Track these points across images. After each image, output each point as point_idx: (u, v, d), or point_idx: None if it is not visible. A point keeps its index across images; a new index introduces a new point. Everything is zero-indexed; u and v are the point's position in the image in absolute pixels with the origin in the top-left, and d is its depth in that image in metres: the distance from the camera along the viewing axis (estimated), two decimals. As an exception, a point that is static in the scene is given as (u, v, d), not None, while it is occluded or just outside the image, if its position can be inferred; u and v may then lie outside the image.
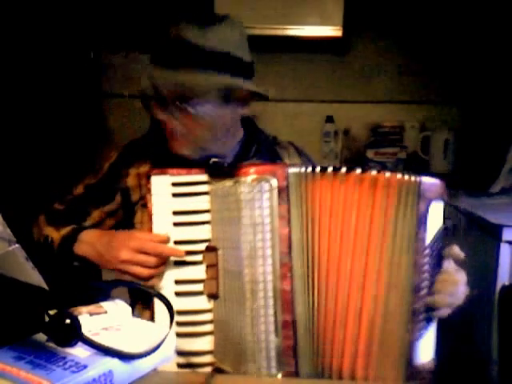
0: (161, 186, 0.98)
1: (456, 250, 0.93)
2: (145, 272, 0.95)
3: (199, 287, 0.95)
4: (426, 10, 2.69)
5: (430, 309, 0.88)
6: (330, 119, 2.77)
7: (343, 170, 0.89)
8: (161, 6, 2.79)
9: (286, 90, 2.83)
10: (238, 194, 0.90)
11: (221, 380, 0.84)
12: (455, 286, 0.91)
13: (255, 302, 0.89)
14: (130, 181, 1.14)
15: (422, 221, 0.86)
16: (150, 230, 0.98)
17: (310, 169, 0.91)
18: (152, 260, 0.95)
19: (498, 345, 1.54)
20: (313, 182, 0.90)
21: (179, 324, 0.93)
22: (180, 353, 0.92)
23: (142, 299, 1.10)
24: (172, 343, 0.80)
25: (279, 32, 2.54)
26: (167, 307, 0.85)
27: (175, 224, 0.97)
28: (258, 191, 0.90)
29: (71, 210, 1.18)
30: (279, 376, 0.88)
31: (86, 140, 2.75)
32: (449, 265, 0.92)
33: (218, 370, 0.92)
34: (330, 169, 0.90)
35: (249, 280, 0.89)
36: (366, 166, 2.71)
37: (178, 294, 0.96)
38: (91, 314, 0.79)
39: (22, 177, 2.37)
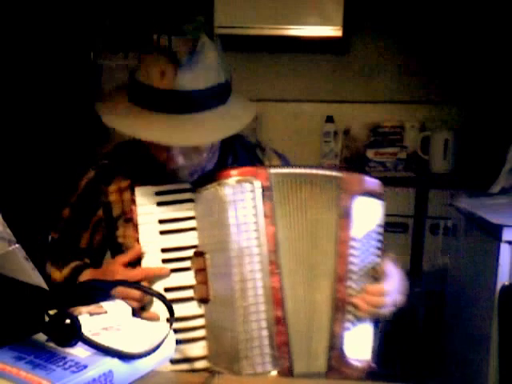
0: (145, 196, 0.99)
1: (383, 267, 0.97)
2: (134, 304, 0.93)
3: (189, 293, 0.96)
4: (426, 9, 2.69)
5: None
6: (330, 119, 2.77)
7: (302, 170, 0.97)
8: (160, 6, 2.80)
9: (285, 90, 2.84)
10: (222, 196, 0.92)
11: (220, 380, 0.84)
12: (380, 297, 0.95)
13: (245, 301, 0.90)
14: (112, 197, 1.12)
15: (345, 212, 0.95)
16: (137, 241, 0.98)
17: (287, 169, 0.97)
18: (135, 295, 0.94)
19: (498, 345, 1.54)
20: (290, 182, 0.95)
21: (173, 332, 0.93)
22: (174, 360, 0.91)
23: None
24: (172, 343, 0.80)
25: (279, 32, 2.54)
26: (167, 307, 0.85)
27: (161, 232, 0.98)
28: (241, 192, 0.92)
29: (65, 237, 1.17)
30: (275, 372, 0.89)
31: (86, 140, 2.76)
32: (382, 274, 0.96)
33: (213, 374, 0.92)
34: (298, 170, 0.97)
35: (238, 279, 0.90)
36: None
37: (169, 301, 0.96)
38: (91, 314, 0.79)
39: (22, 177, 2.37)
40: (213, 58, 1.00)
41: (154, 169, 1.05)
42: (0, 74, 2.36)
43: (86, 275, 1.06)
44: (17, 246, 0.78)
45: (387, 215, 1.00)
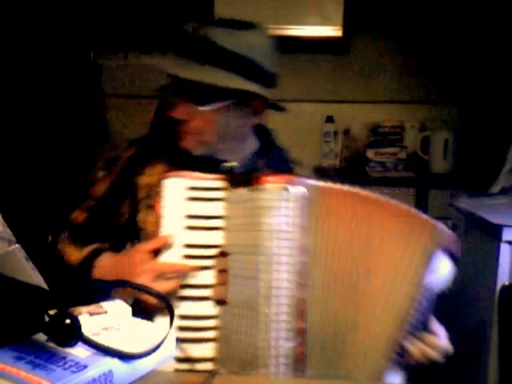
0: (174, 189, 0.98)
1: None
2: (153, 300, 0.92)
3: (205, 292, 0.94)
4: (426, 10, 2.69)
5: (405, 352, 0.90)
6: (330, 119, 2.77)
7: (357, 189, 0.93)
8: (160, 6, 2.80)
9: (285, 90, 2.83)
10: (259, 200, 0.91)
11: (221, 380, 0.84)
12: (435, 352, 0.92)
13: (269, 308, 0.88)
14: (145, 179, 1.14)
15: (428, 261, 0.89)
16: (157, 231, 0.97)
17: (328, 184, 0.94)
18: (164, 288, 0.93)
19: (498, 345, 1.54)
20: (329, 196, 0.93)
21: (181, 329, 0.92)
22: (179, 359, 0.91)
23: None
24: (172, 343, 0.80)
25: (279, 32, 2.53)
26: (168, 308, 0.85)
27: (187, 228, 0.96)
28: (278, 199, 0.91)
29: (96, 215, 1.16)
30: None
31: (86, 140, 2.76)
32: (434, 327, 0.94)
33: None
34: (347, 187, 0.93)
35: (264, 285, 0.89)
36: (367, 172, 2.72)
37: (184, 298, 0.95)
38: (91, 314, 0.78)
39: (22, 177, 2.37)
40: (261, 41, 1.09)
41: (183, 158, 1.09)
42: (0, 74, 2.36)
43: (105, 258, 1.04)
44: (17, 245, 0.78)
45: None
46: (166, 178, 0.98)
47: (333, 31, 2.54)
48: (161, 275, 0.94)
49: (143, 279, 0.94)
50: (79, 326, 0.69)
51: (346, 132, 2.85)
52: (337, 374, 0.89)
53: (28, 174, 2.40)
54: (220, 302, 0.94)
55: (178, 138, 1.12)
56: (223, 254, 0.95)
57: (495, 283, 1.55)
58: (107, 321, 0.79)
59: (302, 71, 2.83)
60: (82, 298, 0.82)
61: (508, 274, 1.55)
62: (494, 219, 1.60)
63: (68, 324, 0.68)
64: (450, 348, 0.94)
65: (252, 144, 1.19)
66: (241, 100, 1.09)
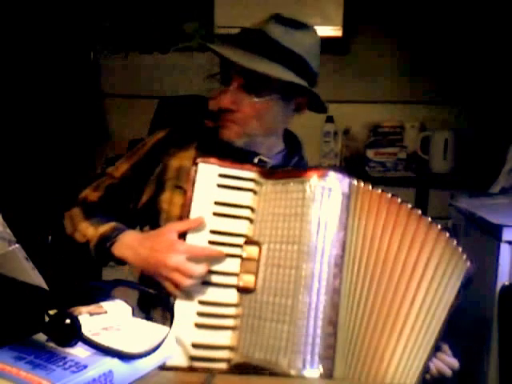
0: (207, 175, 0.99)
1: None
2: (185, 283, 0.93)
3: (229, 280, 0.94)
4: (426, 10, 2.69)
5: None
6: (329, 119, 2.77)
7: (403, 203, 0.96)
8: (160, 6, 2.80)
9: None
10: (304, 192, 0.93)
11: (221, 380, 0.84)
12: (446, 367, 0.98)
13: (308, 297, 0.89)
14: (174, 162, 1.15)
15: (460, 289, 0.96)
16: (185, 215, 0.97)
17: (369, 186, 0.96)
18: (197, 271, 0.93)
19: (498, 345, 1.54)
20: (371, 196, 0.95)
21: (201, 315, 0.92)
22: (196, 345, 0.91)
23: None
24: (172, 343, 0.80)
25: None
26: (167, 308, 0.85)
27: (215, 214, 0.97)
28: (324, 193, 0.93)
29: (114, 194, 1.17)
30: (320, 372, 0.88)
31: (86, 140, 2.76)
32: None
33: (237, 367, 0.91)
34: (390, 195, 0.96)
35: (305, 275, 0.90)
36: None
37: (205, 283, 0.94)
38: (91, 314, 0.78)
39: (22, 177, 2.37)
40: (312, 41, 1.16)
41: (214, 139, 1.12)
42: (0, 75, 2.36)
43: (130, 235, 1.04)
44: (17, 245, 0.79)
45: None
46: (200, 162, 0.99)
47: (333, 31, 2.54)
48: (192, 258, 0.94)
49: (175, 259, 0.93)
50: (79, 326, 0.69)
51: (346, 132, 2.85)
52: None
53: (28, 173, 2.40)
54: (247, 290, 0.93)
55: (218, 127, 1.13)
56: (254, 243, 0.95)
57: (495, 283, 1.55)
58: (107, 321, 0.79)
59: (302, 71, 2.83)
60: (81, 297, 0.82)
61: (508, 274, 1.55)
62: (494, 219, 1.60)
63: (68, 324, 0.68)
64: (456, 363, 0.99)
65: (280, 143, 1.22)
66: (288, 95, 1.12)
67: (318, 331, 0.89)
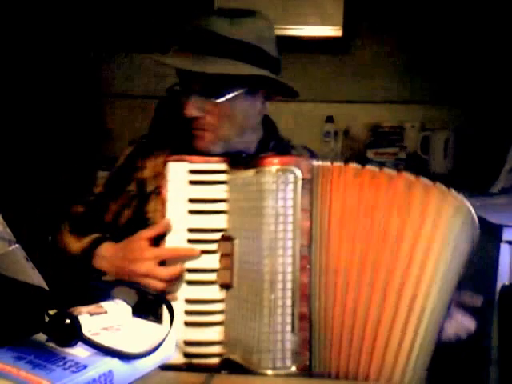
0: (178, 173, 0.97)
1: (469, 298, 0.96)
2: (159, 287, 0.94)
3: (211, 276, 0.94)
4: (426, 10, 2.69)
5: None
6: (329, 119, 2.76)
7: (369, 167, 0.90)
8: (161, 6, 2.80)
9: (285, 90, 2.83)
10: (261, 183, 0.89)
11: (221, 380, 0.84)
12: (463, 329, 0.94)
13: (273, 293, 0.87)
14: (147, 173, 1.14)
15: (468, 250, 0.89)
16: (163, 216, 0.97)
17: (335, 163, 0.91)
18: (169, 274, 0.94)
19: (498, 345, 1.54)
20: (338, 177, 0.90)
21: (189, 313, 0.93)
22: (188, 343, 0.91)
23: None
24: (172, 343, 0.80)
25: (279, 32, 2.51)
26: (167, 307, 0.85)
27: (190, 212, 0.96)
28: (282, 182, 0.88)
29: (91, 209, 1.17)
30: (294, 368, 0.87)
31: (86, 140, 2.76)
32: (457, 312, 0.94)
33: (226, 362, 0.91)
34: (355, 165, 0.91)
35: (268, 271, 0.87)
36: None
37: (189, 282, 0.95)
38: (91, 314, 0.78)
39: (22, 177, 2.37)
40: (262, 26, 1.09)
41: (189, 148, 1.08)
42: (0, 75, 2.36)
43: (106, 248, 1.04)
44: (17, 246, 0.78)
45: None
46: (169, 161, 0.98)
47: (333, 31, 2.53)
48: (163, 261, 0.95)
49: (145, 266, 0.94)
50: (79, 326, 0.69)
51: (346, 132, 2.85)
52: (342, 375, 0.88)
53: (28, 173, 2.40)
54: (225, 285, 0.93)
55: (191, 139, 1.10)
56: (227, 238, 0.94)
57: (495, 283, 1.55)
58: (107, 321, 0.79)
59: (302, 71, 2.83)
60: (82, 297, 0.82)
61: (508, 274, 1.55)
62: (494, 219, 1.60)
63: (68, 324, 0.68)
64: (472, 324, 0.94)
65: (260, 132, 1.19)
66: (253, 87, 1.08)
67: (288, 328, 0.87)
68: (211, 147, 1.08)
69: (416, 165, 2.72)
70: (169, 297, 0.94)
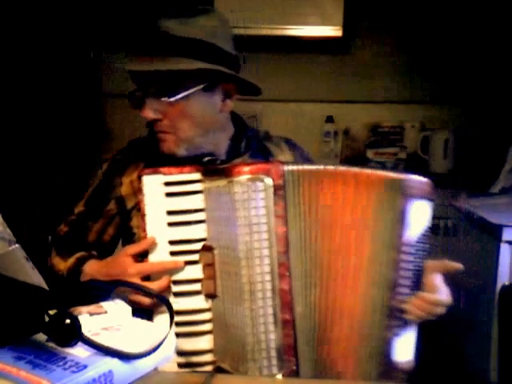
0: (153, 186, 0.97)
1: (447, 263, 0.93)
2: (145, 302, 0.94)
3: (197, 287, 0.95)
4: (427, 10, 2.69)
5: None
6: (329, 119, 2.77)
7: (331, 167, 0.91)
8: (161, 6, 2.79)
9: (285, 90, 2.83)
10: (232, 194, 0.88)
11: (221, 380, 0.84)
12: (431, 305, 0.90)
13: (254, 303, 0.88)
14: (124, 189, 1.12)
15: (401, 217, 0.88)
16: (144, 231, 0.97)
17: (304, 166, 0.92)
18: (156, 285, 0.94)
19: (498, 345, 1.54)
20: (308, 180, 0.90)
21: (178, 324, 0.93)
22: (180, 353, 0.92)
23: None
24: (172, 343, 0.80)
25: (279, 32, 2.54)
26: (167, 308, 0.85)
27: (169, 224, 0.96)
28: (252, 191, 0.88)
29: (73, 230, 1.17)
30: (280, 376, 0.88)
31: (86, 140, 2.75)
32: (432, 280, 0.91)
33: (218, 369, 0.92)
34: (321, 167, 0.91)
35: (247, 281, 0.88)
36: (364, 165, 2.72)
37: (176, 294, 0.95)
38: (91, 314, 0.78)
39: (22, 177, 2.37)
40: (215, 23, 1.05)
41: (164, 162, 1.05)
42: (0, 75, 2.36)
43: (91, 265, 1.04)
44: (17, 246, 0.79)
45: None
46: (143, 175, 0.97)
47: (333, 31, 2.54)
48: (147, 276, 0.95)
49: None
50: (79, 326, 0.69)
51: (346, 132, 2.85)
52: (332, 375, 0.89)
53: (28, 173, 2.40)
54: (210, 295, 0.94)
55: (157, 143, 1.08)
56: (208, 248, 0.94)
57: (495, 283, 1.55)
58: (107, 321, 0.79)
59: (302, 71, 2.83)
60: (82, 298, 0.82)
61: (508, 274, 1.55)
62: (494, 219, 1.60)
63: (68, 324, 0.68)
64: (449, 301, 0.91)
65: (229, 130, 1.16)
66: (208, 84, 1.04)
67: (272, 336, 0.87)
68: (174, 149, 1.06)
69: (416, 165, 2.73)
70: (157, 309, 0.94)
